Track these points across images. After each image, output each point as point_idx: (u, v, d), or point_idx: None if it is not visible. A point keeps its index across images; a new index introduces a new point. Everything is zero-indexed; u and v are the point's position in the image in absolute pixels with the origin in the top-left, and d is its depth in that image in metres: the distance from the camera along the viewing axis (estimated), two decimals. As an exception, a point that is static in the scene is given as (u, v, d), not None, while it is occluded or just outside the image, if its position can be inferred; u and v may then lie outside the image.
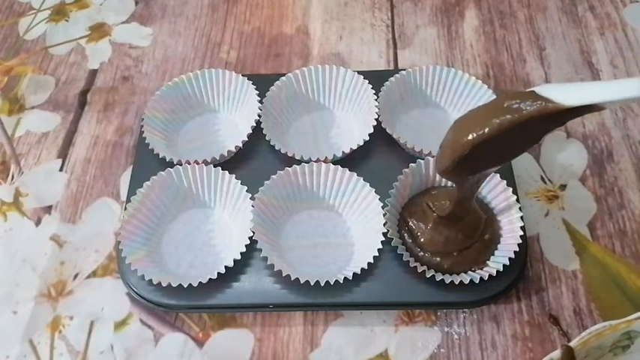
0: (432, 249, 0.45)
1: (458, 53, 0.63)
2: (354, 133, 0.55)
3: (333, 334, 0.46)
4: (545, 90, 0.33)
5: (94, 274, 0.50)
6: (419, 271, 0.44)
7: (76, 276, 0.50)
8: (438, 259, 0.45)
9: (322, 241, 0.49)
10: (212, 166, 0.50)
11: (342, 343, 0.46)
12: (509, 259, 0.44)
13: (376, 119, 0.51)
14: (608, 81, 0.33)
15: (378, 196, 0.47)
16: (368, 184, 0.48)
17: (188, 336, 0.46)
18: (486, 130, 0.33)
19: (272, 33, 0.66)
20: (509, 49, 0.63)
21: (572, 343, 0.39)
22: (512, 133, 0.33)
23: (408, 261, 0.45)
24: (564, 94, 0.32)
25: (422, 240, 0.46)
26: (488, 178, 0.48)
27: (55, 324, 0.47)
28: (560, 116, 0.33)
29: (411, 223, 0.47)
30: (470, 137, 0.34)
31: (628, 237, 0.49)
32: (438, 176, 0.50)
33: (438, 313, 0.46)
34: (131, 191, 0.50)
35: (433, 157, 0.49)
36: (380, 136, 0.51)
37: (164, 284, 0.44)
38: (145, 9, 0.69)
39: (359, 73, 0.55)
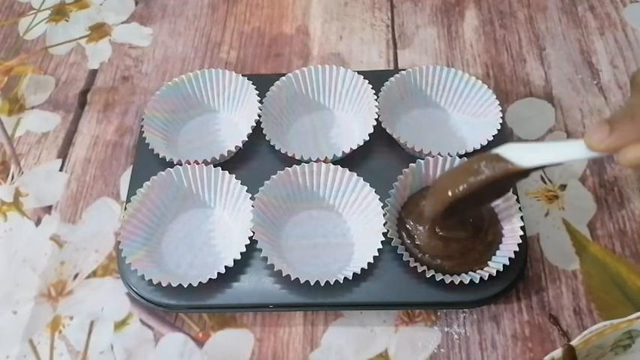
0: (432, 253, 0.45)
1: (458, 53, 0.63)
2: (354, 133, 0.55)
3: (333, 334, 0.46)
4: (507, 152, 0.38)
5: (94, 274, 0.50)
6: (419, 271, 0.44)
7: (76, 276, 0.50)
8: (438, 261, 0.45)
9: (322, 241, 0.49)
10: (212, 166, 0.50)
11: (342, 343, 0.46)
12: (509, 259, 0.44)
13: (376, 119, 0.51)
14: (561, 142, 0.38)
15: (378, 196, 0.47)
16: (368, 184, 0.48)
17: (188, 336, 0.46)
18: (460, 189, 0.40)
19: (272, 33, 0.66)
20: (509, 49, 0.63)
21: (573, 342, 0.39)
22: (483, 189, 0.39)
23: (408, 261, 0.45)
24: (524, 155, 0.37)
25: (419, 242, 0.46)
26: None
27: (55, 324, 0.47)
28: (520, 174, 0.38)
29: (408, 225, 0.47)
30: (447, 196, 0.40)
31: (628, 237, 0.49)
32: (437, 176, 0.50)
33: (438, 313, 0.46)
34: (131, 191, 0.50)
35: (433, 157, 0.49)
36: (380, 136, 0.51)
37: (164, 284, 0.44)
38: (145, 9, 0.69)
39: (359, 73, 0.55)
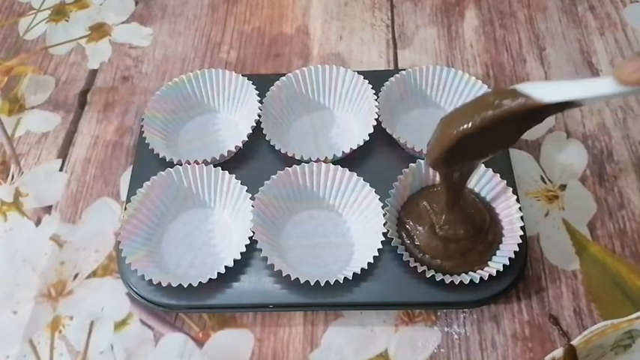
0: (432, 253, 0.45)
1: (458, 53, 0.63)
2: (354, 133, 0.55)
3: (333, 334, 0.46)
4: (525, 87, 0.35)
5: (94, 274, 0.50)
6: (419, 271, 0.44)
7: (76, 276, 0.50)
8: (438, 261, 0.45)
9: (322, 241, 0.49)
10: (212, 166, 0.50)
11: (342, 343, 0.46)
12: (509, 259, 0.44)
13: (376, 119, 0.51)
14: (585, 79, 0.35)
15: (378, 196, 0.47)
16: (368, 184, 0.48)
17: (188, 336, 0.46)
18: (470, 124, 0.36)
19: (272, 33, 0.66)
20: (509, 49, 0.63)
21: (574, 342, 0.39)
22: (495, 128, 0.35)
23: (408, 261, 0.45)
24: (543, 91, 0.34)
25: (418, 243, 0.46)
26: (488, 179, 0.48)
27: (55, 324, 0.47)
28: (538, 112, 0.35)
29: (407, 226, 0.47)
30: (456, 131, 0.36)
31: (628, 237, 0.49)
32: (437, 176, 0.50)
33: (438, 313, 0.46)
34: (131, 191, 0.50)
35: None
36: (380, 136, 0.51)
37: (164, 284, 0.44)
38: (145, 9, 0.69)
39: (359, 73, 0.55)
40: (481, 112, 0.35)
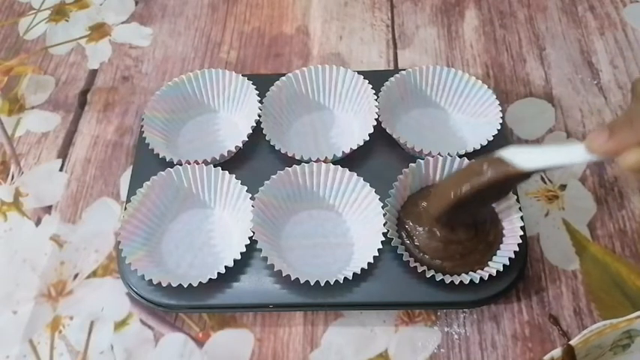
0: (432, 254, 0.45)
1: (458, 53, 0.63)
2: (354, 133, 0.55)
3: (333, 334, 0.46)
4: (509, 155, 0.39)
5: (94, 274, 0.50)
6: (419, 271, 0.44)
7: (76, 276, 0.50)
8: (438, 261, 0.45)
9: (322, 241, 0.49)
10: (212, 166, 0.50)
11: (342, 343, 0.46)
12: (509, 259, 0.44)
13: (376, 119, 0.51)
14: (562, 145, 0.40)
15: (378, 196, 0.47)
16: (368, 184, 0.48)
17: (188, 336, 0.46)
18: (462, 190, 0.41)
19: (272, 33, 0.66)
20: (509, 49, 0.63)
21: (572, 342, 0.39)
22: (485, 191, 0.40)
23: (408, 261, 0.45)
24: (525, 158, 0.39)
25: (418, 243, 0.46)
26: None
27: (55, 324, 0.47)
28: (521, 177, 0.39)
29: (407, 226, 0.47)
30: (450, 197, 0.42)
31: (628, 237, 0.49)
32: (437, 176, 0.50)
33: (438, 313, 0.46)
34: (131, 191, 0.50)
35: (433, 157, 0.49)
36: (380, 136, 0.51)
37: (164, 284, 0.44)
38: (145, 9, 0.69)
39: (359, 73, 0.55)
40: (471, 180, 0.40)
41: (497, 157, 0.39)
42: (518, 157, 0.39)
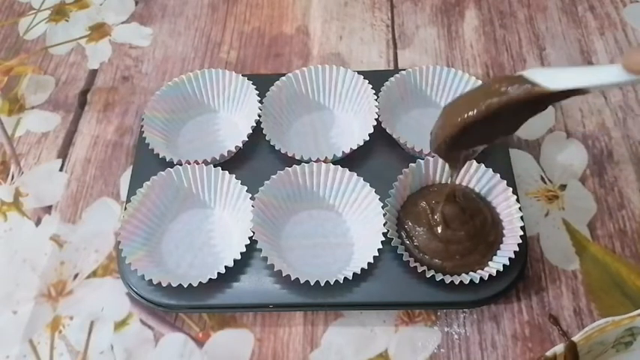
0: (432, 254, 0.45)
1: (458, 53, 0.63)
2: (354, 133, 0.55)
3: (333, 334, 0.46)
4: (532, 74, 0.35)
5: (94, 274, 0.50)
6: (419, 271, 0.44)
7: (76, 276, 0.50)
8: (438, 261, 0.45)
9: (322, 241, 0.49)
10: (212, 166, 0.50)
11: (342, 343, 0.46)
12: (510, 259, 0.44)
13: (376, 119, 0.51)
14: (591, 66, 0.34)
15: (378, 196, 0.47)
16: (368, 184, 0.48)
17: (188, 336, 0.46)
18: (476, 112, 0.36)
19: (272, 33, 0.66)
20: (509, 49, 0.63)
21: (575, 338, 0.39)
22: (500, 115, 0.36)
23: (408, 261, 0.45)
24: (550, 78, 0.34)
25: (418, 243, 0.46)
26: (488, 178, 0.48)
27: (55, 324, 0.47)
28: (545, 99, 0.35)
29: (407, 226, 0.47)
30: (460, 119, 0.36)
31: (628, 237, 0.49)
32: (437, 176, 0.50)
33: (438, 313, 0.46)
34: (131, 191, 0.50)
35: (433, 157, 0.49)
36: (380, 136, 0.51)
37: (164, 284, 0.44)
38: (145, 9, 0.69)
39: (359, 73, 0.55)
40: (486, 100, 0.35)
41: (517, 75, 0.35)
42: (544, 76, 0.34)
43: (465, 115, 0.36)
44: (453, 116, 0.37)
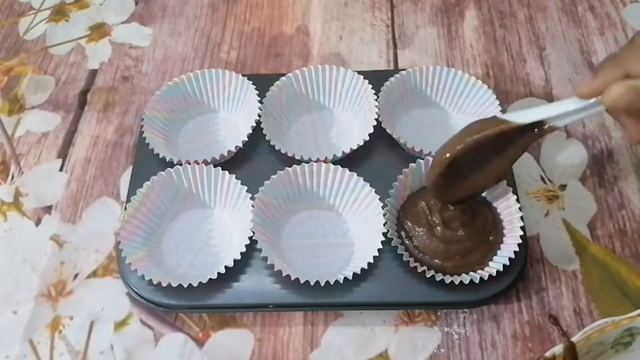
0: (432, 254, 0.45)
1: (458, 53, 0.63)
2: (354, 133, 0.55)
3: (333, 334, 0.46)
4: (504, 115, 0.40)
5: (94, 274, 0.50)
6: (419, 271, 0.44)
7: (76, 276, 0.50)
8: (438, 261, 0.45)
9: (322, 241, 0.49)
10: (212, 166, 0.50)
11: (342, 343, 0.46)
12: (510, 259, 0.44)
13: (376, 119, 0.51)
14: (557, 102, 0.41)
15: (378, 196, 0.47)
16: (368, 184, 0.48)
17: (188, 336, 0.46)
18: (456, 148, 0.41)
19: (272, 33, 0.66)
20: (509, 49, 0.63)
21: (574, 339, 0.39)
22: (482, 151, 0.41)
23: (408, 261, 0.45)
24: (519, 115, 0.40)
25: (417, 243, 0.46)
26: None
27: (55, 324, 0.47)
28: (517, 134, 0.40)
29: (406, 226, 0.47)
30: (444, 157, 0.41)
31: (628, 237, 0.49)
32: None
33: (438, 313, 0.46)
34: (131, 191, 0.50)
35: (433, 156, 0.49)
36: (380, 136, 0.51)
37: (164, 284, 0.44)
38: (145, 9, 0.69)
39: (359, 73, 0.55)
40: (465, 139, 0.41)
41: (491, 116, 0.41)
42: (513, 116, 0.40)
43: (447, 154, 0.41)
44: (438, 157, 0.42)
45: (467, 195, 0.45)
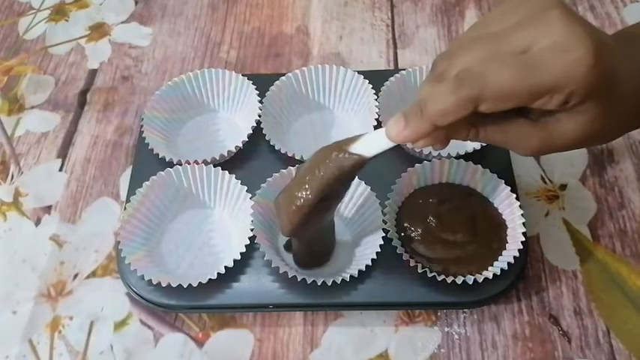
0: (431, 254, 0.45)
1: (458, 53, 0.62)
2: (354, 133, 0.54)
3: (333, 334, 0.46)
4: (352, 142, 0.39)
5: (93, 274, 0.50)
6: (419, 271, 0.44)
7: (75, 276, 0.50)
8: (437, 261, 0.45)
9: (322, 241, 0.48)
10: (212, 166, 0.50)
11: (342, 343, 0.46)
12: (508, 263, 0.44)
13: (376, 119, 0.51)
14: (377, 132, 0.38)
15: (377, 196, 0.47)
16: (369, 187, 0.48)
17: (188, 336, 0.46)
18: (310, 194, 0.38)
19: (272, 33, 0.66)
20: (510, 49, 0.62)
21: None
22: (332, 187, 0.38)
23: (408, 261, 0.45)
24: (365, 144, 0.38)
25: (417, 243, 0.46)
26: (488, 179, 0.48)
27: (55, 324, 0.47)
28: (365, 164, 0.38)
29: (406, 226, 0.47)
30: (297, 205, 0.38)
31: (628, 237, 0.49)
32: (436, 177, 0.50)
33: (438, 313, 0.46)
34: (131, 191, 0.50)
35: (431, 159, 0.49)
36: (380, 136, 0.51)
37: (164, 284, 0.44)
38: (145, 9, 0.69)
39: (359, 73, 0.54)
40: (320, 180, 0.38)
41: (334, 147, 0.39)
42: (360, 144, 0.38)
43: (304, 200, 0.38)
44: (290, 205, 0.39)
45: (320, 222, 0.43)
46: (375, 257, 0.45)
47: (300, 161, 0.50)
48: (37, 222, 0.53)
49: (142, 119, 0.54)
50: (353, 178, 0.40)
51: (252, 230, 0.45)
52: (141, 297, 0.46)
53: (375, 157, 0.37)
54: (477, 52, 0.32)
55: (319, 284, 0.44)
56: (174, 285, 0.44)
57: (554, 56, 0.31)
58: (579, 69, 0.30)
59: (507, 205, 0.47)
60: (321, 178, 0.38)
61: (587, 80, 0.31)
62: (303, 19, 0.67)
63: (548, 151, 0.36)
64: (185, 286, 0.44)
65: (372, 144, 0.37)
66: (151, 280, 0.45)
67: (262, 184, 0.48)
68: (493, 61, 0.31)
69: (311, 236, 0.44)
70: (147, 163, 0.52)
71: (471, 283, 0.44)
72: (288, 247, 0.47)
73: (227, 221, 0.50)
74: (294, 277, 0.44)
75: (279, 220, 0.41)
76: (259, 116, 0.53)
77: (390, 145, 0.36)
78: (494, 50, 0.32)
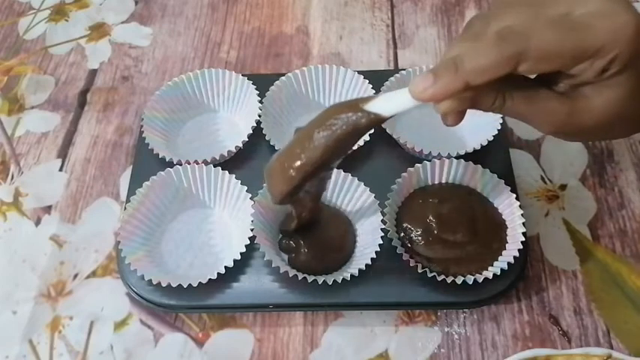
0: (431, 254, 0.45)
1: (458, 53, 0.62)
2: (354, 133, 0.55)
3: (333, 334, 0.46)
4: (367, 104, 0.35)
5: (93, 274, 0.50)
6: (419, 271, 0.44)
7: (75, 276, 0.50)
8: (437, 261, 0.45)
9: (322, 241, 0.48)
10: (212, 166, 0.50)
11: (342, 343, 0.46)
12: (508, 263, 0.44)
13: (376, 119, 0.51)
14: (400, 91, 0.35)
15: (377, 197, 0.47)
16: (368, 188, 0.48)
17: (188, 336, 0.46)
18: (317, 151, 0.36)
19: (272, 33, 0.66)
20: (510, 49, 0.62)
21: None
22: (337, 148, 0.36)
23: (408, 261, 0.45)
24: (382, 105, 0.35)
25: (417, 243, 0.46)
26: (488, 179, 0.48)
27: (55, 324, 0.47)
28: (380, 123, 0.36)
29: (406, 226, 0.47)
30: (300, 163, 0.37)
31: (628, 237, 0.49)
32: (436, 177, 0.50)
33: (438, 313, 0.46)
34: (131, 191, 0.50)
35: (434, 157, 0.49)
36: (380, 136, 0.51)
37: (164, 284, 0.44)
38: (145, 9, 0.69)
39: (359, 73, 0.54)
40: (329, 136, 0.36)
41: (352, 104, 0.36)
42: (376, 104, 0.35)
43: (306, 160, 0.37)
44: (293, 162, 0.37)
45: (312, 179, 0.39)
46: (374, 257, 0.45)
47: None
48: (37, 222, 0.53)
49: (142, 119, 0.54)
50: (359, 138, 0.37)
51: (252, 230, 0.46)
52: (141, 297, 0.46)
53: (391, 117, 0.35)
54: (519, 14, 0.32)
55: (319, 284, 0.44)
56: (174, 285, 0.44)
57: (599, 19, 0.31)
58: (627, 31, 0.31)
59: (507, 205, 0.47)
60: (332, 133, 0.35)
61: (633, 45, 0.31)
62: (303, 19, 0.67)
63: (570, 129, 0.35)
64: (185, 286, 0.44)
65: (392, 103, 0.35)
66: (151, 280, 0.45)
67: (262, 184, 0.48)
68: (536, 21, 0.31)
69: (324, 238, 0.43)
70: (147, 163, 0.52)
71: (470, 283, 0.44)
72: (284, 249, 0.47)
73: (227, 221, 0.50)
74: (294, 277, 0.44)
75: (271, 185, 0.38)
76: (259, 116, 0.53)
77: (412, 104, 0.34)
78: (536, 12, 0.32)
